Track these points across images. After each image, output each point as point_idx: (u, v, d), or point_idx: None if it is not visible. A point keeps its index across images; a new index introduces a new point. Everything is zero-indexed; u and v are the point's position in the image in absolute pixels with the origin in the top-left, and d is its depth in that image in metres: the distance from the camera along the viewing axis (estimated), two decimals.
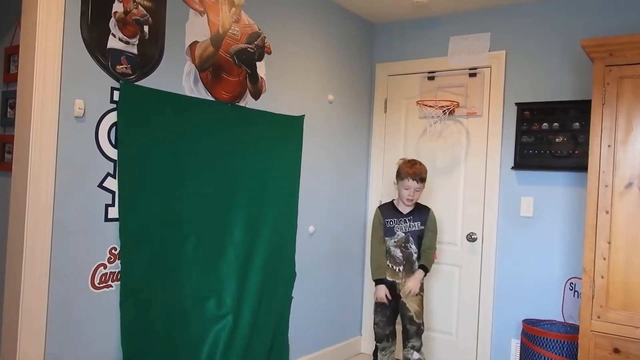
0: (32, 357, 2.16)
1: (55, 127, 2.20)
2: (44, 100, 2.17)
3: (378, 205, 3.49)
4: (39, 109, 2.15)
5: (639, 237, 2.62)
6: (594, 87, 2.76)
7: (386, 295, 3.16)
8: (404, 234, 3.18)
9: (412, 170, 3.10)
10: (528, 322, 3.31)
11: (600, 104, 2.74)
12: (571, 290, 3.35)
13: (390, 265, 3.17)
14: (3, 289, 2.29)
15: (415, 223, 3.18)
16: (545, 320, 3.37)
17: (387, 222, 3.20)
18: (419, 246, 3.20)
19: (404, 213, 3.19)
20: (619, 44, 2.68)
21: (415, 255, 3.17)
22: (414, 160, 3.20)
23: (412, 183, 3.10)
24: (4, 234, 2.29)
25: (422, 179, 3.13)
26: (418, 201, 3.24)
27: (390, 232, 3.20)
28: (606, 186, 2.70)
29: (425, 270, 3.18)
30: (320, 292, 3.74)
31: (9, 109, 2.44)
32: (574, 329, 3.06)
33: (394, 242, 3.18)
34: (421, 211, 3.23)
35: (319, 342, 3.75)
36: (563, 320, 3.35)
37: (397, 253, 3.16)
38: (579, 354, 2.70)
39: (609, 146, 2.71)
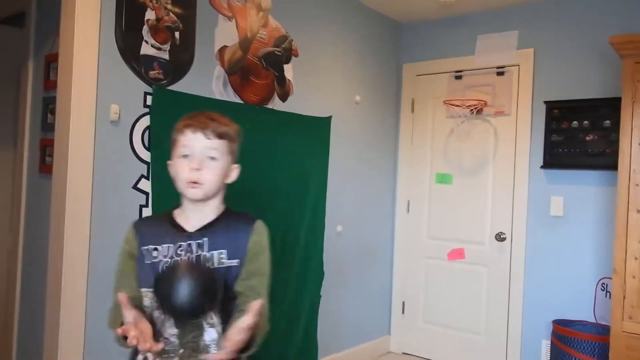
0: (72, 357, 2.27)
1: (92, 131, 2.30)
2: (81, 106, 2.27)
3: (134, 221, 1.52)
4: (77, 114, 2.26)
5: None
6: (624, 85, 2.72)
7: None
8: None
9: (195, 119, 1.40)
10: (559, 323, 3.28)
11: (631, 101, 2.70)
12: (603, 290, 3.30)
13: (149, 357, 1.33)
14: (43, 299, 2.42)
15: (217, 253, 1.38)
16: (576, 321, 3.33)
17: (145, 251, 1.39)
18: (225, 308, 1.36)
19: (190, 231, 1.39)
20: None
21: (211, 336, 1.35)
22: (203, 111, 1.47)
23: (193, 140, 1.37)
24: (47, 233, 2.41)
25: (220, 134, 1.39)
26: (232, 206, 1.50)
27: (151, 276, 1.34)
28: (637, 185, 2.67)
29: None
30: (348, 291, 3.78)
31: (49, 115, 2.56)
32: (606, 330, 3.02)
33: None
34: (235, 225, 1.44)
35: (347, 340, 3.79)
36: (595, 321, 3.30)
37: (167, 329, 1.35)
38: (610, 355, 2.67)
39: (639, 144, 2.67)
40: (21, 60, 2.91)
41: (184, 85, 2.66)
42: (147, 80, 2.50)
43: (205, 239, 1.37)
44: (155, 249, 1.37)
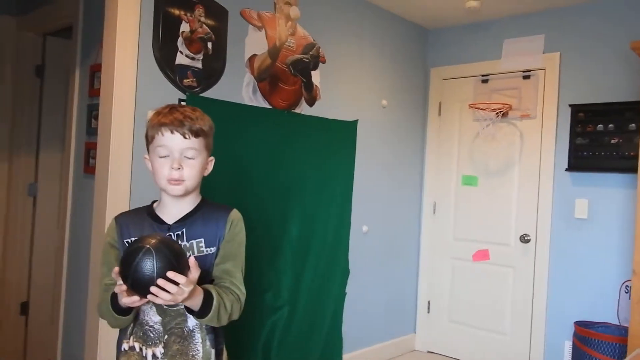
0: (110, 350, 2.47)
1: (131, 136, 2.50)
2: (121, 112, 2.47)
3: (117, 215, 1.61)
4: (118, 120, 2.47)
5: None
6: None
7: None
8: None
9: (170, 118, 1.45)
10: (580, 324, 3.31)
11: None
12: (627, 293, 3.31)
13: (136, 346, 1.48)
14: (87, 292, 2.63)
15: (196, 242, 1.50)
16: (599, 323, 3.35)
17: (127, 243, 1.50)
18: None
19: (169, 223, 1.51)
20: None
21: (194, 322, 1.47)
22: (174, 104, 1.54)
23: (172, 140, 1.44)
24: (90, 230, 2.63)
25: (196, 132, 1.47)
26: (210, 198, 1.61)
27: None
28: None
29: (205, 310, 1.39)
30: (373, 289, 3.90)
31: (93, 120, 2.78)
32: (628, 332, 3.04)
33: None
34: (212, 215, 1.54)
35: (372, 337, 3.91)
36: (618, 323, 3.32)
37: (151, 317, 1.48)
38: (626, 357, 2.70)
39: None
40: (69, 70, 3.16)
41: (215, 92, 2.84)
42: (182, 88, 2.69)
43: (184, 229, 1.47)
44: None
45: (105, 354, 2.44)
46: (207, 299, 1.38)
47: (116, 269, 1.29)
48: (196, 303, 1.36)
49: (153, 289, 1.24)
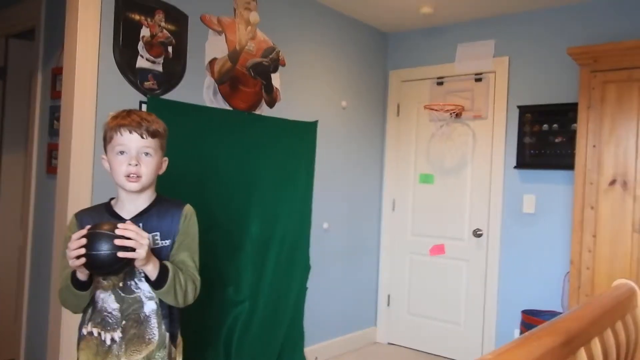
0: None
1: (92, 137, 2.58)
2: (83, 114, 2.55)
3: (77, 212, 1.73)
4: (79, 121, 2.54)
5: (622, 231, 2.81)
6: (580, 91, 2.96)
7: None
8: None
9: (128, 120, 1.59)
10: (527, 313, 3.51)
11: (586, 107, 2.93)
12: (569, 282, 3.52)
13: (94, 332, 1.59)
14: (49, 287, 2.70)
15: (152, 235, 1.60)
16: (545, 311, 3.55)
17: None
18: None
19: (127, 218, 1.61)
20: (602, 51, 2.87)
21: (150, 307, 1.60)
22: (130, 109, 1.68)
23: (130, 140, 1.57)
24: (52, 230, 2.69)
25: (153, 133, 1.61)
26: (164, 194, 1.73)
27: None
28: (591, 184, 2.90)
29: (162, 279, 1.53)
30: (335, 284, 4.04)
31: (55, 121, 2.85)
32: None
33: (103, 281, 1.59)
34: (167, 210, 1.67)
35: (334, 330, 4.05)
36: (562, 311, 3.53)
37: (110, 304, 1.59)
38: None
39: (594, 146, 2.91)
40: (32, 72, 3.21)
41: (176, 95, 2.93)
42: (143, 91, 2.78)
43: (141, 224, 1.58)
44: None
45: (67, 347, 2.51)
46: (164, 270, 1.53)
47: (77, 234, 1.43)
48: (153, 267, 1.50)
49: (117, 241, 1.40)
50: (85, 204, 2.55)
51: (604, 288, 2.83)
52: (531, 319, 3.38)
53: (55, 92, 2.88)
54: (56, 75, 2.89)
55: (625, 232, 2.80)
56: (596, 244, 2.87)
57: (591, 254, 2.88)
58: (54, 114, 2.87)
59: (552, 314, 3.50)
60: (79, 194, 2.54)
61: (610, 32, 3.41)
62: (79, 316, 1.66)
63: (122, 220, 1.58)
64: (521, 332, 3.49)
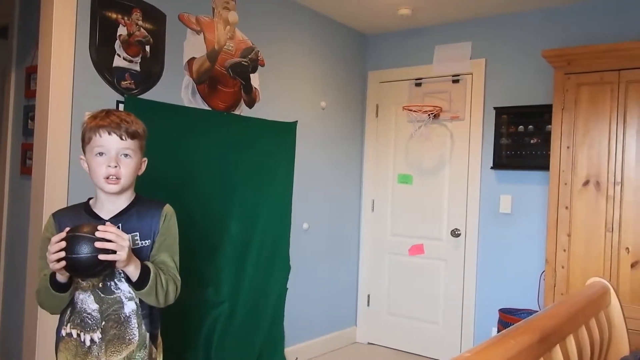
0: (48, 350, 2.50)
1: (68, 137, 2.54)
2: (58, 114, 2.51)
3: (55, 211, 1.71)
4: (54, 121, 2.50)
5: (596, 230, 2.87)
6: (555, 93, 3.02)
7: None
8: None
9: (107, 121, 1.57)
10: (504, 311, 3.56)
11: (560, 108, 2.99)
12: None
13: (74, 333, 1.58)
14: (24, 288, 2.65)
15: (132, 235, 1.59)
16: (522, 310, 3.61)
17: None
18: None
19: (106, 218, 1.60)
20: (576, 54, 2.93)
21: (130, 308, 1.59)
22: (109, 109, 1.65)
23: (109, 141, 1.56)
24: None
25: (132, 134, 1.59)
26: (143, 194, 1.72)
27: None
28: (565, 184, 2.96)
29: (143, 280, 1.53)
30: (315, 284, 4.04)
31: (29, 121, 2.79)
32: None
33: (82, 282, 1.56)
34: (147, 210, 1.66)
35: (314, 331, 4.05)
36: (538, 309, 3.59)
37: (89, 305, 1.57)
38: None
39: (567, 147, 2.96)
40: (4, 71, 3.14)
41: (154, 94, 2.90)
42: (120, 90, 2.74)
43: (120, 224, 1.57)
44: None
45: (44, 349, 2.47)
46: (145, 270, 1.52)
47: (58, 237, 1.40)
48: (135, 268, 1.49)
49: (98, 243, 1.38)
50: (61, 204, 2.50)
51: (578, 286, 2.88)
52: (508, 317, 3.43)
53: (29, 91, 2.83)
54: (30, 74, 2.84)
55: (598, 232, 2.86)
56: (571, 243, 2.93)
57: (566, 253, 2.94)
58: (28, 114, 2.82)
59: (529, 312, 3.56)
60: (54, 195, 2.49)
61: (585, 35, 3.48)
62: (56, 317, 1.63)
63: (102, 220, 1.57)
64: (499, 331, 3.54)
